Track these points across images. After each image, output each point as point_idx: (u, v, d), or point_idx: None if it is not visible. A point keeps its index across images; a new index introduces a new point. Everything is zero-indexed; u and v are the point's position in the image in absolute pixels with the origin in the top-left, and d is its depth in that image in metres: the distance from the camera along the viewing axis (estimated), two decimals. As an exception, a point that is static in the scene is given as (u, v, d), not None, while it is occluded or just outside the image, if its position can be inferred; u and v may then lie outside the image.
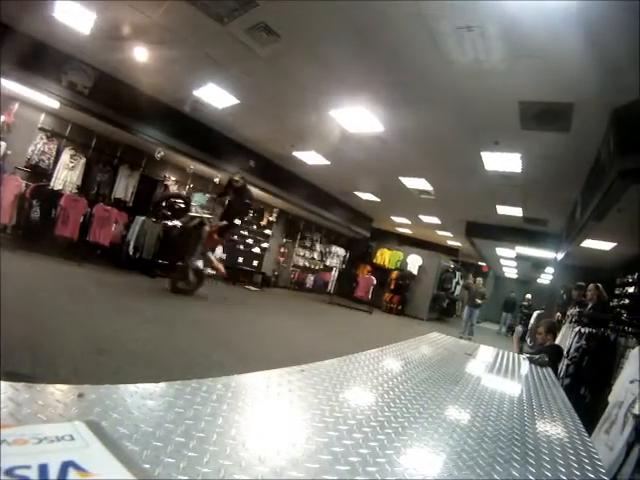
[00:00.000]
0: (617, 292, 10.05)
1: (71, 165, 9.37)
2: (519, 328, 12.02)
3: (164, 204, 10.14)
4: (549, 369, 3.02)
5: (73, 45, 7.03)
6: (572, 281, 9.52)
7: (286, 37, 5.36)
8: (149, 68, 7.22)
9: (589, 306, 6.50)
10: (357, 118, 7.38)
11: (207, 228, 8.40)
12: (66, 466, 0.36)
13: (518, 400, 1.81)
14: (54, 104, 8.26)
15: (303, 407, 1.08)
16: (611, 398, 4.01)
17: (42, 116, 9.04)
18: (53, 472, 0.34)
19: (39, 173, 8.98)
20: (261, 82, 6.88)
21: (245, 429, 0.85)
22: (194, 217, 8.61)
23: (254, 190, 12.61)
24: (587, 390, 4.94)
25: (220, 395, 1.00)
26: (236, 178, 8.43)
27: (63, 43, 7.02)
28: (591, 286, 6.71)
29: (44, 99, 8.02)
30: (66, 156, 9.33)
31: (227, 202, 8.81)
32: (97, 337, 4.27)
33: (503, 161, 7.70)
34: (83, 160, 9.58)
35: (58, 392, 0.78)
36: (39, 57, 7.13)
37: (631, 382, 3.73)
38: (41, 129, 9.06)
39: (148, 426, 0.75)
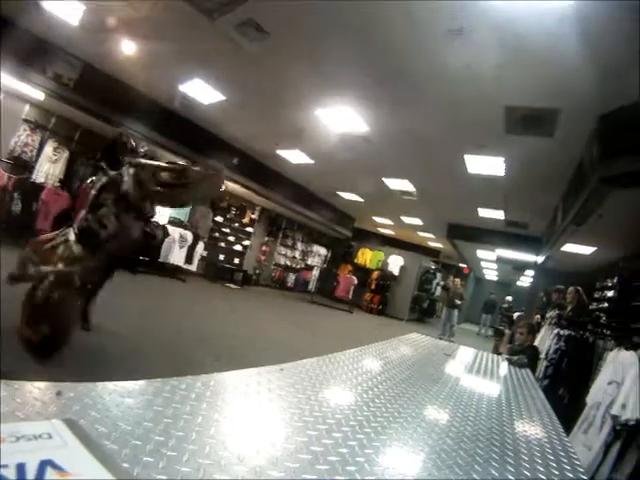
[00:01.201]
0: (596, 296, 10.18)
1: (54, 158, 9.22)
2: (507, 331, 12.13)
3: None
4: (528, 370, 3.07)
5: (60, 36, 6.90)
6: (552, 284, 9.64)
7: (275, 35, 5.33)
8: (136, 62, 7.12)
9: (569, 309, 6.59)
10: (343, 118, 7.35)
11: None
12: (44, 465, 0.35)
13: (497, 400, 1.83)
14: (39, 95, 8.11)
15: (282, 406, 1.09)
16: (589, 399, 4.08)
17: (26, 107, 8.88)
18: (31, 471, 0.34)
19: (21, 165, 8.82)
20: (248, 79, 6.83)
21: (224, 428, 0.86)
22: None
23: (235, 187, 12.51)
24: (565, 391, 5.01)
25: (199, 393, 1.00)
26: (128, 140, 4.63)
27: (50, 33, 6.88)
28: (571, 289, 6.81)
29: (29, 90, 7.87)
30: (49, 149, 9.17)
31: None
32: None
33: (486, 164, 7.73)
34: (66, 153, 9.43)
35: (36, 390, 0.78)
36: (25, 47, 6.98)
37: (609, 384, 3.81)
38: (25, 120, 8.91)
39: (127, 425, 0.75)
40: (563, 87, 4.86)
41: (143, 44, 6.43)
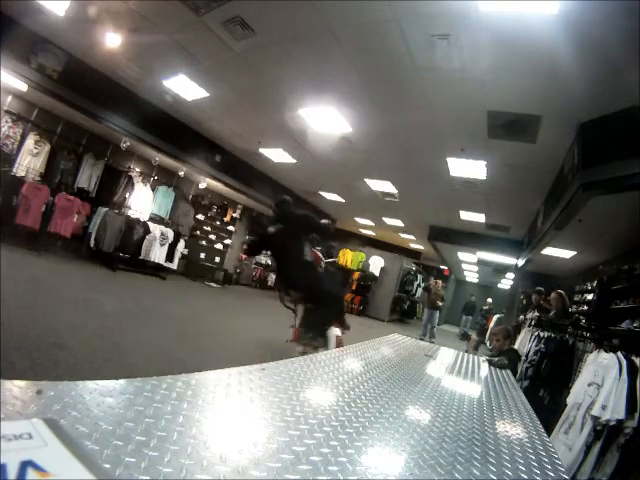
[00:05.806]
0: (576, 299, 10.35)
1: (35, 151, 9.03)
2: (474, 337, 12.26)
3: None
4: (508, 371, 3.10)
5: (45, 26, 6.76)
6: (532, 287, 9.77)
7: (261, 33, 5.31)
8: (120, 55, 7.03)
9: (552, 313, 6.66)
10: (326, 118, 7.36)
11: None
12: (25, 466, 0.35)
13: (478, 401, 1.84)
14: (22, 86, 7.90)
15: (264, 406, 1.08)
16: (569, 400, 4.13)
17: (9, 98, 8.67)
18: (12, 472, 0.34)
19: (2, 158, 8.63)
20: (232, 76, 6.79)
21: (206, 428, 0.85)
22: None
23: (217, 185, 12.42)
24: (546, 392, 5.06)
25: (180, 393, 0.99)
26: None
27: (35, 23, 6.74)
28: (554, 294, 6.89)
29: (11, 80, 7.60)
30: (30, 142, 8.97)
31: None
32: None
33: (468, 168, 7.82)
34: (48, 147, 9.25)
35: (16, 388, 0.76)
36: (9, 36, 6.79)
37: (589, 385, 3.86)
38: (7, 112, 8.69)
39: (108, 424, 0.74)
40: (546, 94, 4.94)
41: (129, 37, 6.35)
